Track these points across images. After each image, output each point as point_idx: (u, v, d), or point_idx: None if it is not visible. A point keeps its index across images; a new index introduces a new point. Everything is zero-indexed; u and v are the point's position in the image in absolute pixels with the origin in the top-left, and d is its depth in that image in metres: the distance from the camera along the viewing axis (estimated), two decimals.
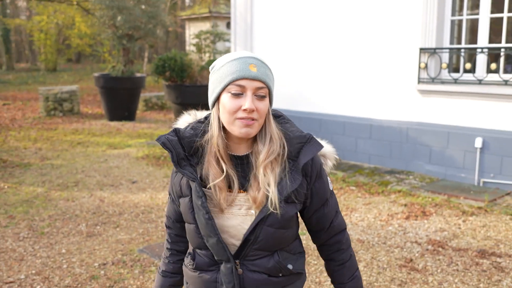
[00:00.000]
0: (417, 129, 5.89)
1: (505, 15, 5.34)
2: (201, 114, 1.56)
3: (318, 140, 1.56)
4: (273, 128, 1.42)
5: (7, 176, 6.00)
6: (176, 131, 1.45)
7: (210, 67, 1.47)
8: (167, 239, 1.64)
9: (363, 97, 6.38)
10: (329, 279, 3.18)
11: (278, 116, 1.50)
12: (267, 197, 1.39)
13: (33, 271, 3.45)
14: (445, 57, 5.71)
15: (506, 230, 4.14)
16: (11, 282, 3.29)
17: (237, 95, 1.36)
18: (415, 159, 5.94)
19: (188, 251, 1.58)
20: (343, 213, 4.59)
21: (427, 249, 3.76)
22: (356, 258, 1.85)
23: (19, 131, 9.26)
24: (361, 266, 3.49)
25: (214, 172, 1.41)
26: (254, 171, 1.41)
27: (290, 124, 1.48)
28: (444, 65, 5.60)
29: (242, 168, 1.44)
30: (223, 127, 1.41)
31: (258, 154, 1.41)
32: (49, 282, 3.29)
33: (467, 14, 5.70)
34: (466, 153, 5.48)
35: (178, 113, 1.70)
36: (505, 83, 5.22)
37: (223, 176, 1.40)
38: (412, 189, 5.30)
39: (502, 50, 5.30)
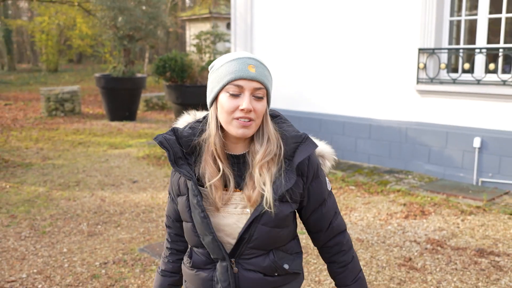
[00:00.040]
0: (416, 129, 5.91)
1: (503, 15, 5.36)
2: (200, 114, 1.56)
3: (316, 140, 1.56)
4: (271, 128, 1.43)
5: (9, 176, 6.03)
6: (174, 130, 1.46)
7: (210, 67, 1.47)
8: (167, 239, 1.65)
9: (362, 97, 6.41)
10: (329, 278, 3.21)
11: (275, 116, 1.50)
12: (261, 196, 1.39)
13: (35, 270, 3.47)
14: (444, 57, 5.73)
15: (504, 229, 4.16)
16: (13, 281, 3.31)
17: (235, 95, 1.37)
18: (414, 159, 5.97)
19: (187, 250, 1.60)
20: (342, 213, 4.61)
21: (426, 248, 3.78)
22: None
23: (21, 131, 9.30)
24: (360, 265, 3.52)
25: (211, 171, 1.41)
26: (250, 170, 1.42)
27: (286, 124, 1.48)
28: (442, 66, 5.62)
29: (238, 167, 1.45)
30: (221, 127, 1.42)
31: (255, 154, 1.41)
32: (51, 281, 3.31)
33: (466, 15, 5.72)
34: (464, 153, 5.51)
35: (178, 113, 1.71)
36: (503, 83, 5.24)
37: (220, 175, 1.41)
38: (411, 188, 5.33)
39: (501, 50, 5.32)
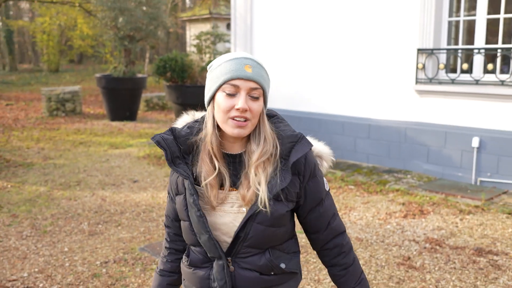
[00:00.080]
0: (415, 129, 5.93)
1: (501, 16, 5.38)
2: (199, 114, 1.57)
3: (314, 141, 1.58)
4: (267, 128, 1.43)
5: (10, 176, 6.06)
6: (172, 130, 1.47)
7: (208, 66, 1.48)
8: (165, 238, 1.65)
9: (362, 98, 6.43)
10: (329, 278, 3.21)
11: (272, 116, 1.51)
12: (256, 195, 1.39)
13: (36, 269, 3.49)
14: (443, 57, 5.75)
15: (502, 228, 4.17)
16: (14, 280, 3.33)
17: (231, 95, 1.38)
18: (413, 159, 5.99)
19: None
20: (342, 212, 4.63)
21: (425, 247, 3.79)
22: None
23: (22, 131, 9.33)
24: None
25: (207, 169, 1.42)
26: (246, 170, 1.42)
27: (283, 123, 1.49)
28: (441, 66, 5.64)
29: (234, 166, 1.46)
30: (218, 126, 1.43)
31: (251, 153, 1.42)
32: (52, 280, 3.33)
33: (464, 15, 5.74)
34: (463, 153, 5.53)
35: (178, 113, 1.72)
36: (502, 83, 5.26)
37: (215, 173, 1.42)
38: (410, 188, 5.35)
39: (499, 50, 5.34)
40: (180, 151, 1.46)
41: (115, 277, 3.37)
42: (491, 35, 5.92)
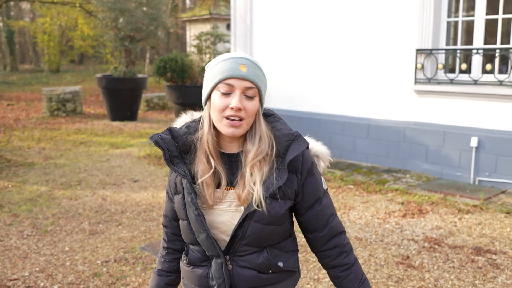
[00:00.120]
0: (414, 128, 5.95)
1: (500, 16, 5.40)
2: (197, 114, 1.58)
3: (313, 140, 1.59)
4: (263, 128, 1.43)
5: (11, 175, 6.08)
6: (170, 129, 1.48)
7: (206, 66, 1.48)
8: (163, 238, 1.65)
9: (361, 98, 6.45)
10: (328, 277, 3.23)
11: (270, 115, 1.51)
12: (252, 195, 1.40)
13: (37, 269, 3.51)
14: (441, 58, 5.77)
15: (501, 227, 4.19)
16: (15, 279, 3.35)
17: (226, 94, 1.39)
18: (412, 158, 6.01)
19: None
20: (341, 211, 4.65)
21: (424, 247, 3.80)
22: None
23: (23, 131, 9.35)
24: None
25: (203, 168, 1.43)
26: (242, 169, 1.43)
27: (280, 122, 1.49)
28: (440, 66, 5.66)
29: (231, 165, 1.46)
30: (214, 125, 1.43)
31: (248, 153, 1.42)
32: (53, 279, 3.34)
33: (463, 16, 5.76)
34: (462, 152, 5.55)
35: (179, 113, 1.73)
36: (500, 83, 5.28)
37: (211, 172, 1.42)
38: (409, 187, 5.36)
39: (497, 51, 5.36)
40: (178, 150, 1.47)
41: (116, 276, 3.38)
42: (489, 35, 5.94)
